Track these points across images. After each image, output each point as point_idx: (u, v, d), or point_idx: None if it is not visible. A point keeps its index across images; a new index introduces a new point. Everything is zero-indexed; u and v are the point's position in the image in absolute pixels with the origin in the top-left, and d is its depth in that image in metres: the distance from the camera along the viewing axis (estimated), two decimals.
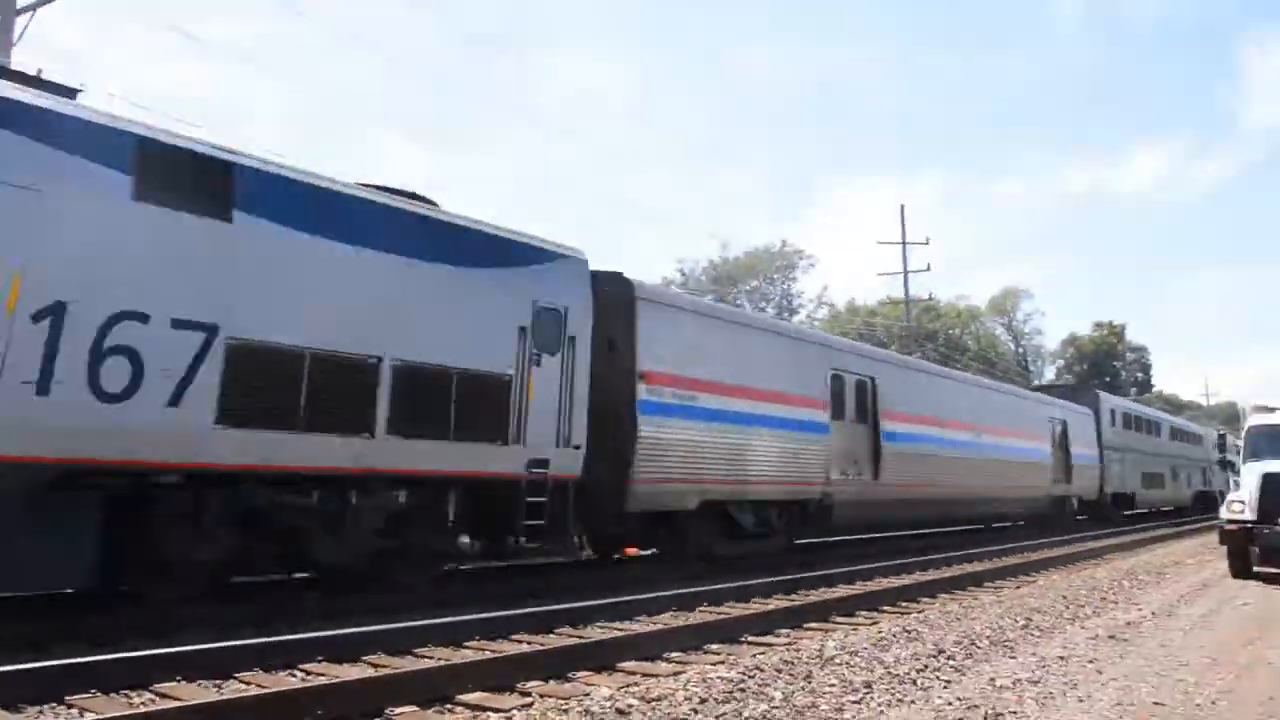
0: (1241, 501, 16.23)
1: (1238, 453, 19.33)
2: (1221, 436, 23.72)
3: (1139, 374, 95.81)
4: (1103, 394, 39.27)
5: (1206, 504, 49.10)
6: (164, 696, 6.43)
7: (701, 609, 11.14)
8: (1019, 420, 27.63)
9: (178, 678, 6.78)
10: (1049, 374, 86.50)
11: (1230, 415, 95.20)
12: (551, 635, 9.20)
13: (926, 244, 48.51)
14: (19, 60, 18.20)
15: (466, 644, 8.61)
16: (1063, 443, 30.49)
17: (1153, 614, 11.28)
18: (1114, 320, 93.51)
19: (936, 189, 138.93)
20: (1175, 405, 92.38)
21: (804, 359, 18.01)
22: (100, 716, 5.61)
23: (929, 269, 58.92)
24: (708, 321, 16.16)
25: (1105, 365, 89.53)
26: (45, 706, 6.09)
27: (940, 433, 22.42)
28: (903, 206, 45.09)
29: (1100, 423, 34.76)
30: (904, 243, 44.35)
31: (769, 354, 16.98)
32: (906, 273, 44.88)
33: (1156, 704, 6.84)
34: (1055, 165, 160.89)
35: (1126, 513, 37.16)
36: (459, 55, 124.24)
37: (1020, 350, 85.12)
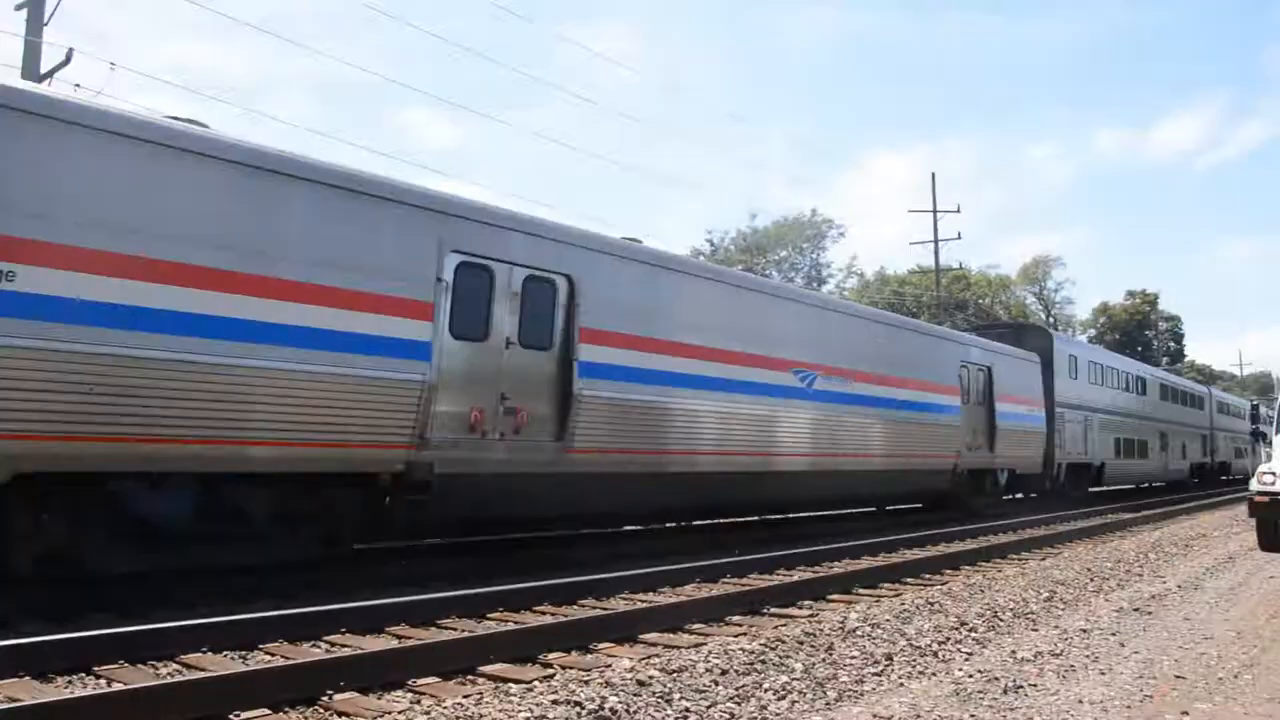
0: (1273, 472, 16.07)
1: (1271, 423, 19.09)
2: (1255, 406, 23.41)
3: (1171, 344, 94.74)
4: (1058, 336, 32.83)
5: (1206, 479, 44.30)
6: (190, 667, 6.53)
7: (725, 580, 11.18)
8: (904, 363, 19.95)
9: (204, 648, 6.88)
10: None
11: (1265, 385, 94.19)
12: (574, 607, 9.26)
13: (958, 212, 47.94)
14: (50, 39, 18.13)
15: (489, 615, 8.68)
16: (985, 397, 23.34)
17: (1178, 586, 11.22)
18: (1147, 289, 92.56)
19: (968, 155, 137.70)
20: (1208, 375, 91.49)
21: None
22: (128, 685, 5.69)
23: (960, 238, 58.44)
24: None
25: (1138, 335, 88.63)
26: (74, 676, 6.20)
27: (711, 371, 14.61)
28: (934, 174, 44.76)
29: (1053, 373, 27.17)
30: (935, 211, 44.03)
31: None
32: (937, 241, 44.53)
33: (1178, 677, 6.81)
34: (1089, 130, 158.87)
35: (1094, 489, 30.33)
36: (484, 28, 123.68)
37: (1052, 320, 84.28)
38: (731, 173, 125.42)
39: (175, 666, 6.58)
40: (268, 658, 6.89)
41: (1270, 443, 17.89)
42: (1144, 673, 6.92)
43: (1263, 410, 21.31)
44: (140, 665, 6.50)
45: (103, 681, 6.12)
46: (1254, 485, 16.41)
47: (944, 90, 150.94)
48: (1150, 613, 9.44)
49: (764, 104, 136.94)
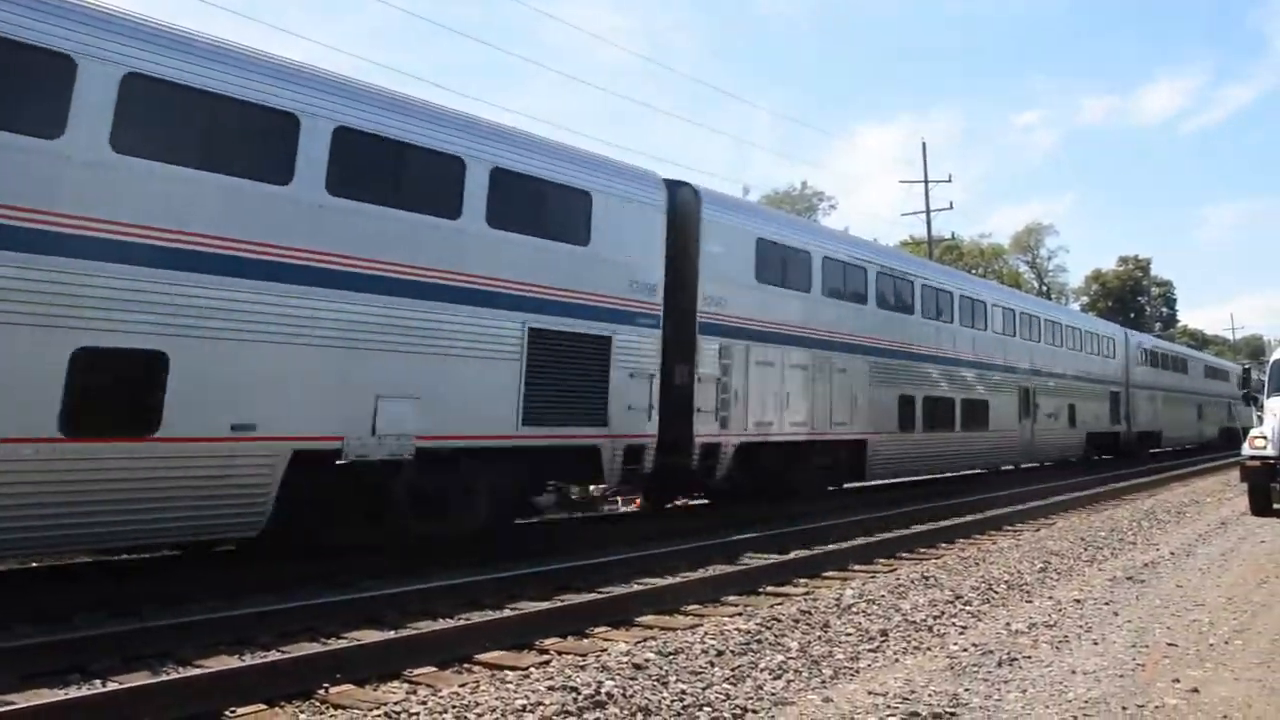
0: (1264, 436, 16.10)
1: (1263, 389, 19.10)
2: (1246, 370, 23.38)
3: (1164, 309, 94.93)
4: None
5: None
6: (185, 664, 6.53)
7: (718, 561, 11.19)
8: None
9: (200, 644, 6.89)
10: None
11: (1256, 349, 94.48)
12: (569, 593, 9.27)
13: (949, 181, 47.74)
14: None
15: (485, 603, 8.69)
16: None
17: (1170, 554, 11.27)
18: (1139, 255, 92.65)
19: (956, 124, 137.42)
20: (1200, 340, 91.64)
21: None
22: (122, 685, 5.70)
23: (951, 207, 58.26)
24: None
25: (1130, 301, 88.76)
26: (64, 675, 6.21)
27: None
28: (924, 144, 44.62)
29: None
30: (926, 181, 43.77)
31: None
32: (929, 211, 44.29)
33: (1170, 645, 6.85)
34: (1074, 97, 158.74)
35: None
36: (466, 7, 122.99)
37: (1045, 288, 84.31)
38: (720, 148, 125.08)
39: (171, 665, 6.59)
40: (263, 652, 6.89)
41: (1262, 406, 17.92)
42: (1137, 641, 6.96)
43: (1254, 374, 21.31)
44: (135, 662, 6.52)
45: (97, 681, 6.11)
46: (1245, 450, 16.45)
47: (928, 61, 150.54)
48: (1143, 581, 9.49)
49: (749, 78, 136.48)
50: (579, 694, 5.48)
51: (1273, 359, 18.84)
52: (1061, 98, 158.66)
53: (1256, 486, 16.05)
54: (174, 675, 5.99)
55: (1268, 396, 17.71)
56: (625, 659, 6.30)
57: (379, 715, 5.15)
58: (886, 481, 21.23)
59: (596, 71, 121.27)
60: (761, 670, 6.17)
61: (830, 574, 10.48)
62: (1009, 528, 14.74)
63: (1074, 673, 6.09)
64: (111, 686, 5.80)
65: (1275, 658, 6.54)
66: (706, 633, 7.12)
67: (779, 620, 7.49)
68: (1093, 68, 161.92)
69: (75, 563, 9.67)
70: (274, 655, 6.61)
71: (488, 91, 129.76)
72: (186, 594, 8.57)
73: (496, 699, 5.41)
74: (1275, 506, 15.98)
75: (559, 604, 8.40)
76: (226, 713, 5.43)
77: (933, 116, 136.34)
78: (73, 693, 5.71)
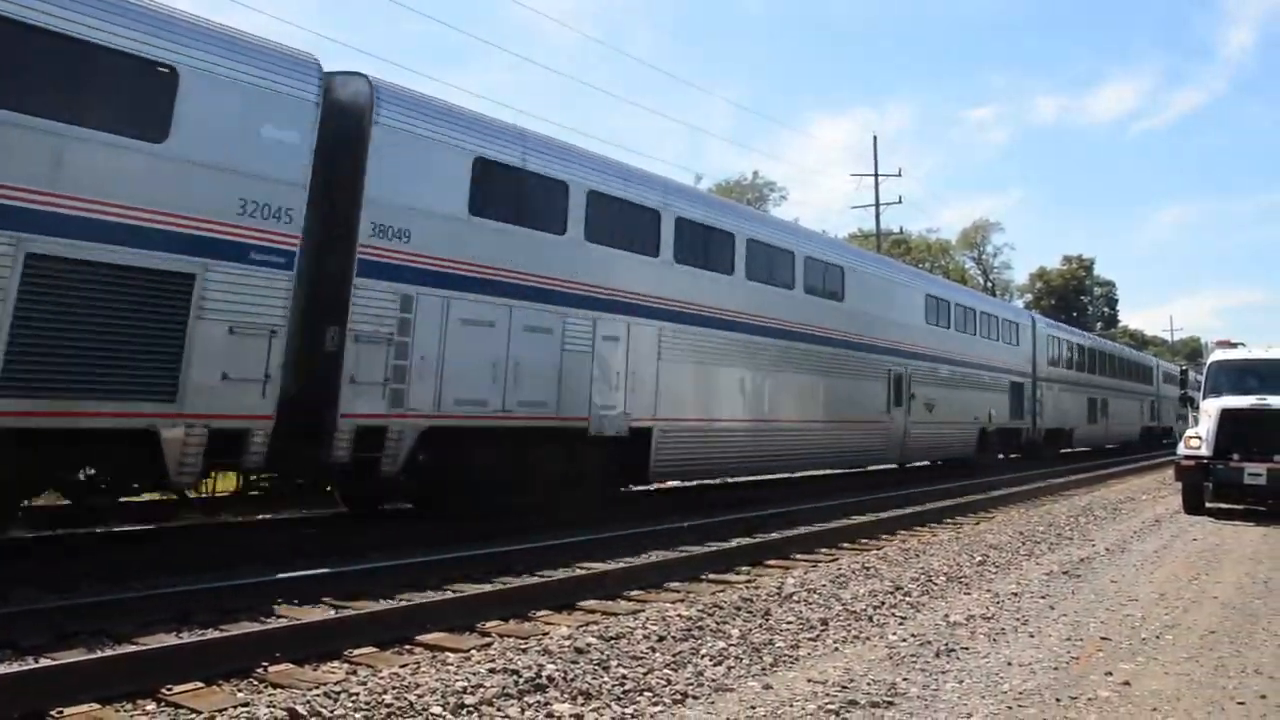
0: (1199, 437, 16.44)
1: (1198, 389, 19.50)
2: (1184, 371, 23.85)
3: (1106, 309, 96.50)
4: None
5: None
6: (122, 641, 6.44)
7: (661, 548, 11.23)
8: None
9: (138, 621, 6.79)
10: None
11: (1194, 350, 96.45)
12: (511, 576, 9.25)
13: (899, 175, 48.09)
14: None
15: (426, 585, 8.66)
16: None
17: (1106, 550, 11.49)
18: (1083, 254, 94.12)
19: (908, 118, 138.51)
20: (1140, 340, 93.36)
21: None
22: (55, 661, 5.60)
23: (900, 201, 58.77)
24: None
25: (1073, 300, 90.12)
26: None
27: None
28: (875, 137, 45.08)
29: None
30: (876, 175, 44.13)
31: None
32: (878, 205, 44.67)
33: (1104, 639, 6.98)
34: (1031, 94, 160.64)
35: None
36: None
37: (990, 284, 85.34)
38: (673, 136, 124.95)
39: (107, 640, 6.49)
40: (201, 630, 6.81)
41: (1199, 407, 18.31)
42: (1071, 634, 7.09)
43: (1191, 375, 21.70)
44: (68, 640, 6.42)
45: (29, 658, 6.01)
46: (1180, 449, 16.80)
47: (884, 54, 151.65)
48: (1079, 575, 9.66)
49: (706, 65, 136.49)
50: (520, 676, 5.47)
51: (1209, 361, 19.26)
52: (1015, 95, 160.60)
53: (1190, 486, 16.41)
54: (110, 652, 5.90)
55: (1204, 398, 18.08)
56: (567, 643, 6.30)
57: (318, 694, 5.10)
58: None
59: (553, 55, 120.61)
60: (703, 656, 6.20)
61: (772, 562, 10.56)
62: (949, 521, 14.93)
63: (1010, 664, 6.19)
64: (44, 662, 5.71)
65: (1204, 652, 6.69)
66: (649, 618, 7.14)
67: (720, 607, 7.53)
68: (1047, 66, 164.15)
69: (12, 538, 9.45)
70: (213, 633, 6.54)
71: (439, 70, 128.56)
72: (125, 571, 8.45)
73: (437, 680, 5.38)
74: (1208, 505, 16.38)
75: (501, 585, 8.39)
76: (163, 690, 5.35)
77: (887, 109, 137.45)
78: (3, 669, 5.61)
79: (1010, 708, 5.29)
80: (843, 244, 27.23)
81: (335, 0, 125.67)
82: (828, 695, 5.40)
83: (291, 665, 5.93)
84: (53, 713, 4.97)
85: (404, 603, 7.72)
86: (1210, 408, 16.85)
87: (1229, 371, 18.25)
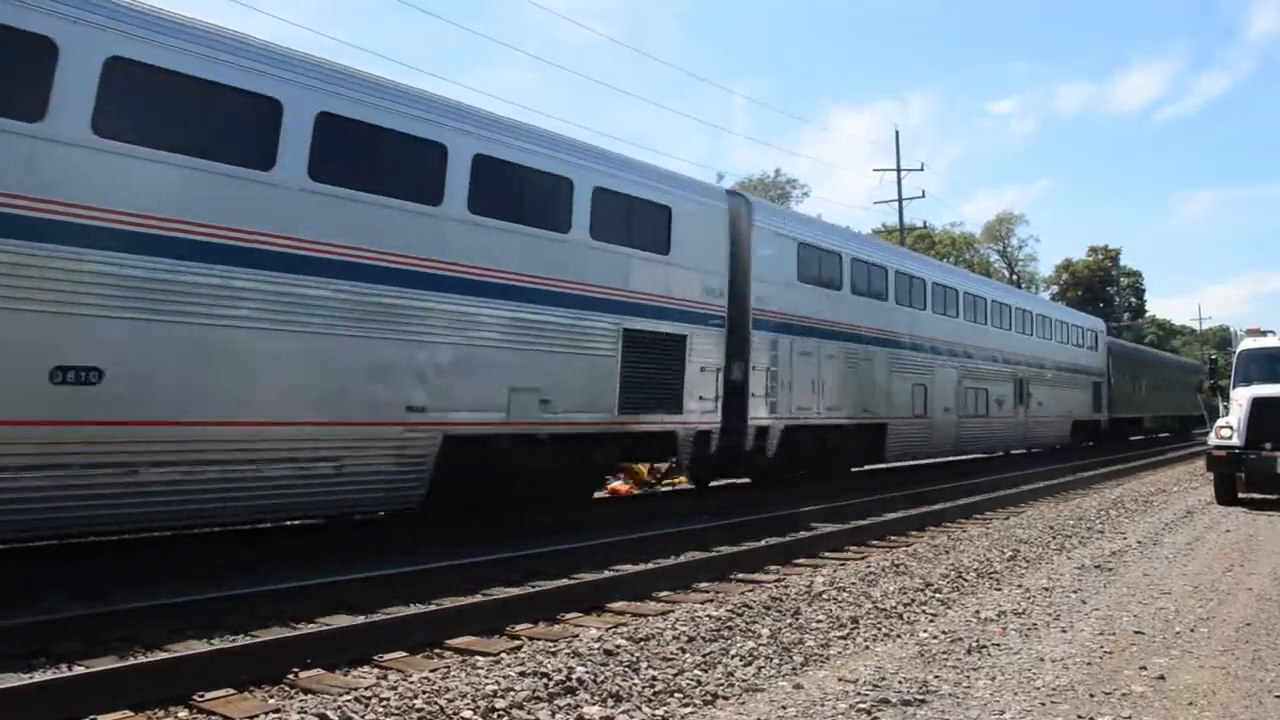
0: (1230, 426, 16.26)
1: (1228, 377, 19.31)
2: (1213, 360, 23.65)
3: (1133, 299, 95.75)
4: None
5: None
6: (153, 648, 6.48)
7: (692, 549, 11.20)
8: None
9: (169, 628, 6.84)
10: None
11: (1223, 339, 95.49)
12: (541, 579, 9.25)
13: (921, 170, 47.71)
14: None
15: (456, 588, 8.67)
16: None
17: (1138, 543, 11.39)
18: (1109, 245, 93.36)
19: (930, 111, 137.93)
20: (1168, 330, 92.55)
21: None
22: (89, 669, 5.64)
23: (923, 195, 58.60)
24: None
25: (1100, 291, 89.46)
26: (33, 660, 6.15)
27: None
28: (897, 131, 44.94)
29: None
30: (899, 169, 44.01)
31: None
32: (901, 200, 44.57)
33: (1137, 633, 6.92)
34: (1054, 83, 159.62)
35: None
36: None
37: (1015, 277, 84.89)
38: (694, 134, 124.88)
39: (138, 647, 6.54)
40: (232, 637, 6.84)
41: (1229, 397, 18.11)
42: (1104, 629, 7.03)
43: (1220, 363, 21.50)
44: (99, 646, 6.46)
45: (63, 665, 6.06)
46: (1211, 439, 16.61)
47: (905, 45, 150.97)
48: (1111, 569, 9.57)
49: (725, 63, 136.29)
50: (550, 679, 5.47)
51: (1239, 349, 19.04)
52: (1039, 84, 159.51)
53: (1222, 476, 16.23)
54: (141, 659, 5.94)
55: (1234, 387, 17.88)
56: (597, 645, 6.30)
57: (349, 699, 5.12)
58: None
59: (572, 54, 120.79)
60: (733, 656, 6.19)
61: (801, 561, 10.52)
62: (979, 516, 14.84)
63: (1042, 660, 6.14)
64: (78, 670, 5.75)
65: (1240, 645, 6.62)
66: (678, 619, 7.13)
67: (750, 607, 7.50)
68: (1071, 54, 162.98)
69: (40, 545, 9.53)
70: (244, 639, 6.57)
71: (457, 72, 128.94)
72: (155, 577, 8.50)
73: (467, 684, 5.39)
74: (1240, 496, 16.19)
75: (530, 589, 8.39)
76: (195, 697, 5.39)
77: (910, 102, 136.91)
78: (38, 676, 5.66)
79: (1043, 704, 5.25)
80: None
81: (346, 1, 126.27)
82: (859, 694, 5.38)
83: (323, 670, 5.96)
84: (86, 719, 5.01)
85: (433, 607, 7.73)
86: (1241, 396, 16.66)
87: (1259, 360, 18.02)
